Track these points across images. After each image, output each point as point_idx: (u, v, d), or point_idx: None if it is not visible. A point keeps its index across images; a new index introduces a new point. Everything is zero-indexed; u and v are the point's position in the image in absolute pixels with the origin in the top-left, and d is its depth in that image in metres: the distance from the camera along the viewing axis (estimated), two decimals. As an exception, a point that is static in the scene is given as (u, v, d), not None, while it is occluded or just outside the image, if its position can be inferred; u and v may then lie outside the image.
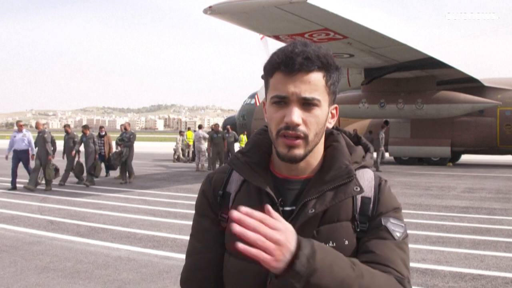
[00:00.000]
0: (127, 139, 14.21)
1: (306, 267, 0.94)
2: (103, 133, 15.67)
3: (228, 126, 19.69)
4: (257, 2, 12.41)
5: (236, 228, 0.90)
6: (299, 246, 0.95)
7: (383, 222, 1.17)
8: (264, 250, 0.91)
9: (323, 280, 0.96)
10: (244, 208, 0.93)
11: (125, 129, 14.61)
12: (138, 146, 43.56)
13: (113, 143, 15.63)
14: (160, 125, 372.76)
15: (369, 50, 16.32)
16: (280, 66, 1.12)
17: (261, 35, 19.35)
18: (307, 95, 1.11)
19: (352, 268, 1.01)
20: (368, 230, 1.18)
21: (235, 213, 0.92)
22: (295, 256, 0.94)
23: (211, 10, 13.02)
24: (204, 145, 18.24)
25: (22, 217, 8.41)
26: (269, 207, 0.96)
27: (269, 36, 16.06)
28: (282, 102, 1.13)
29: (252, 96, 26.18)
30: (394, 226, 1.17)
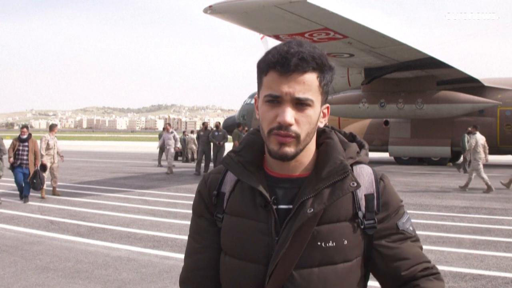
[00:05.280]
0: None
1: None
2: (25, 136, 10.41)
3: (218, 123, 17.33)
4: (257, 1, 12.42)
5: None
6: None
7: (400, 227, 1.22)
8: None
9: None
10: None
11: None
12: (139, 146, 43.73)
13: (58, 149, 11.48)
14: (160, 125, 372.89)
15: (369, 50, 16.33)
16: (275, 66, 1.12)
17: (261, 35, 19.36)
18: (300, 95, 1.11)
19: None
20: (383, 232, 1.20)
21: None
22: None
23: (211, 10, 13.03)
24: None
25: (22, 217, 8.41)
26: None
27: (269, 36, 16.06)
28: (275, 101, 1.13)
29: (252, 96, 26.21)
30: (407, 225, 1.23)
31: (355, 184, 1.17)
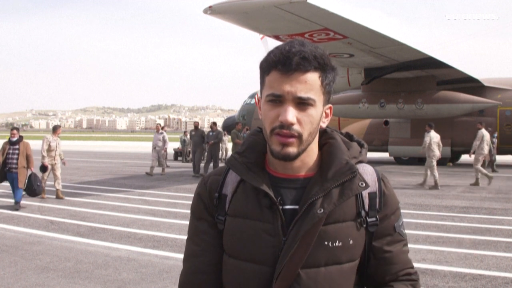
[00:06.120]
0: None
1: None
2: (15, 138, 9.72)
3: (213, 123, 17.09)
4: (257, 1, 12.43)
5: None
6: None
7: (396, 229, 1.24)
8: None
9: None
10: None
11: None
12: (138, 146, 43.73)
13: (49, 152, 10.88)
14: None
15: (369, 50, 16.33)
16: (277, 65, 1.12)
17: (261, 35, 19.35)
18: (302, 94, 1.11)
19: None
20: (381, 233, 1.22)
21: None
22: None
23: (211, 10, 13.03)
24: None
25: (22, 217, 8.41)
26: None
27: (269, 36, 16.07)
28: (277, 100, 1.13)
29: (252, 96, 26.20)
30: (402, 227, 1.27)
31: (364, 185, 1.18)
